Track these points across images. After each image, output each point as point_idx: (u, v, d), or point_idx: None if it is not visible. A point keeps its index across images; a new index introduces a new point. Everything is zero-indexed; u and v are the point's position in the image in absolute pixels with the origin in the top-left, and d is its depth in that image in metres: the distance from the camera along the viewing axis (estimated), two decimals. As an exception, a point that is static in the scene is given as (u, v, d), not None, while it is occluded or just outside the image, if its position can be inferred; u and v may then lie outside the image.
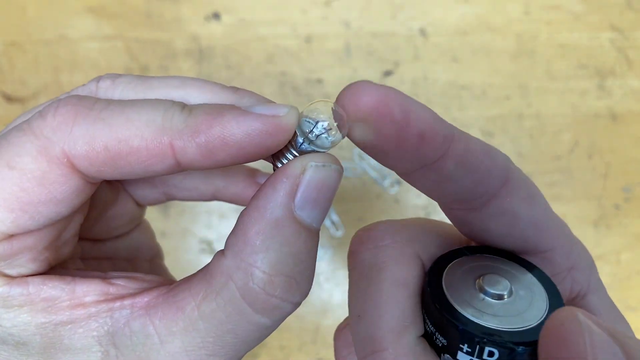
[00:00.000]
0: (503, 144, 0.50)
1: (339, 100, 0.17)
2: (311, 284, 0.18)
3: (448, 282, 0.18)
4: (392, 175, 0.49)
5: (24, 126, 0.16)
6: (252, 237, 0.16)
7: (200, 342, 0.17)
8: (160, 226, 0.50)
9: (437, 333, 0.18)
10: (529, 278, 0.19)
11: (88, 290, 0.18)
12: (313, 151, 0.17)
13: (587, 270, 0.21)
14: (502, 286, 0.18)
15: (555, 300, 0.18)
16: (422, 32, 0.51)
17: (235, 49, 0.51)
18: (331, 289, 0.50)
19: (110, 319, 0.17)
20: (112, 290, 0.18)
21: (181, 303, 0.17)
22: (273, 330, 0.18)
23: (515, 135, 0.51)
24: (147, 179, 0.24)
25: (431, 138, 0.16)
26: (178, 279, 0.20)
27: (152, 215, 0.50)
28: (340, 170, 0.17)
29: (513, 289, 0.18)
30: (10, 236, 0.17)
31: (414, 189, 0.19)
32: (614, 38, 0.51)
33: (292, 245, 0.16)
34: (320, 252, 0.50)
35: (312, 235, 0.17)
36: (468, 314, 0.17)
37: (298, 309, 0.54)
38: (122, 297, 0.18)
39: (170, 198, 0.25)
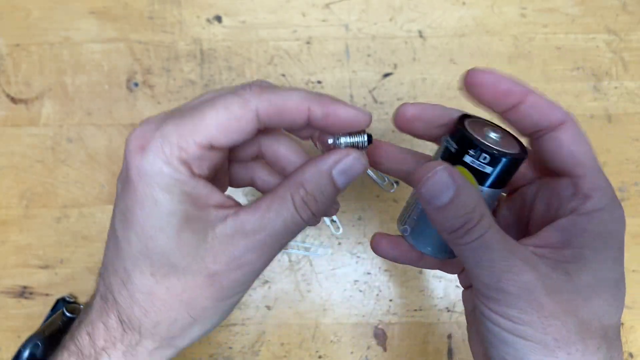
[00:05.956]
0: (500, 145, 0.51)
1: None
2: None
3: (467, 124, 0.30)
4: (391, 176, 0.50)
5: (233, 92, 0.27)
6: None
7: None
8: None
9: (453, 143, 0.29)
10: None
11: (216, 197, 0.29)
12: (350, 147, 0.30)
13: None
14: (496, 134, 0.30)
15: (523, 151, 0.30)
16: (421, 35, 0.52)
17: (236, 51, 0.52)
18: (330, 287, 0.51)
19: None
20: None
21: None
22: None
23: (512, 136, 0.51)
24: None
25: (511, 94, 0.29)
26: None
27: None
28: (366, 165, 0.30)
29: (501, 139, 0.30)
30: (211, 147, 0.27)
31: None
32: (610, 40, 0.52)
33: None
34: (319, 251, 0.51)
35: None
36: (475, 136, 0.29)
37: (298, 307, 0.54)
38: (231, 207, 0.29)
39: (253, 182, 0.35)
